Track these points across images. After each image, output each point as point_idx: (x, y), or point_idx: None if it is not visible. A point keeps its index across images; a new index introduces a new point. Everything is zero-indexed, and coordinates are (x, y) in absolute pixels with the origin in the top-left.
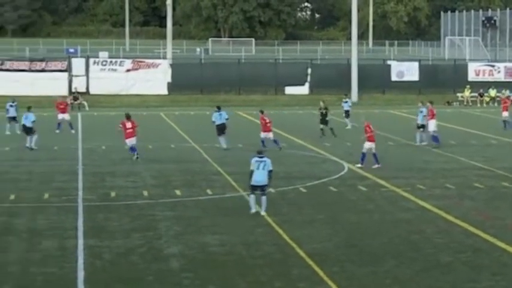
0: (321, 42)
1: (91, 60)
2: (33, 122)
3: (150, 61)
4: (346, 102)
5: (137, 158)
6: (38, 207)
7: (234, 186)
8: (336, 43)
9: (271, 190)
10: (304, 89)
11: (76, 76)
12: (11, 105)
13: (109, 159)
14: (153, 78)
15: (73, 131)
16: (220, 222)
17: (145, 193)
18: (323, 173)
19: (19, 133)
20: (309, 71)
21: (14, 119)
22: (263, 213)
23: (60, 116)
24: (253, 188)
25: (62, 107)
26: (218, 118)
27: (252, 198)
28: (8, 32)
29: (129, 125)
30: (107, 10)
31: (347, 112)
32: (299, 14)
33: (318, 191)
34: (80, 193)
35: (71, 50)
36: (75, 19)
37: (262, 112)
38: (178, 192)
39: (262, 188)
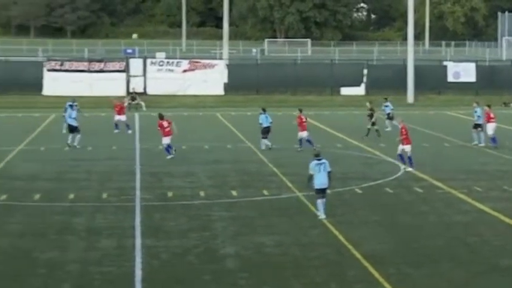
0: (377, 43)
1: (148, 61)
2: (75, 119)
3: (206, 62)
4: (387, 106)
5: (175, 151)
6: (96, 207)
7: (289, 187)
8: (392, 44)
9: (327, 191)
10: (360, 90)
11: (134, 76)
12: (70, 105)
13: (166, 159)
14: (209, 79)
15: (130, 131)
16: (275, 223)
17: (202, 193)
18: (379, 174)
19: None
20: (365, 71)
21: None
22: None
23: (117, 117)
24: (318, 192)
25: (117, 109)
26: (265, 120)
27: (319, 203)
28: (67, 33)
29: (165, 124)
30: (164, 11)
31: (389, 115)
32: (355, 15)
33: (374, 192)
34: (138, 193)
35: (129, 51)
36: (133, 20)
37: (301, 111)
38: (234, 192)
39: (323, 191)
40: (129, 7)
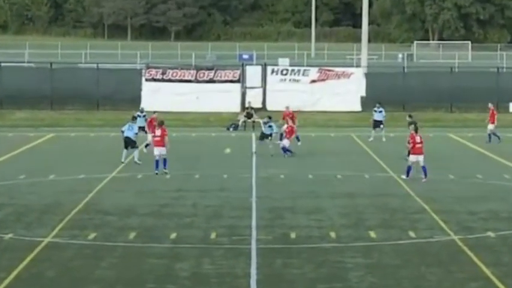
0: None
1: (269, 69)
2: (136, 134)
3: (340, 70)
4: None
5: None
6: (203, 249)
7: (442, 228)
8: None
9: (491, 234)
10: None
11: (250, 88)
12: (139, 116)
13: (289, 191)
14: (343, 92)
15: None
16: (425, 273)
17: (333, 234)
18: None
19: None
20: None
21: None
22: None
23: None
24: None
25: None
26: (376, 115)
27: None
28: (170, 35)
29: (158, 132)
30: (289, 7)
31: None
32: None
33: None
34: (254, 233)
35: (245, 56)
36: (250, 18)
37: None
38: (372, 234)
39: None
40: (246, 3)
